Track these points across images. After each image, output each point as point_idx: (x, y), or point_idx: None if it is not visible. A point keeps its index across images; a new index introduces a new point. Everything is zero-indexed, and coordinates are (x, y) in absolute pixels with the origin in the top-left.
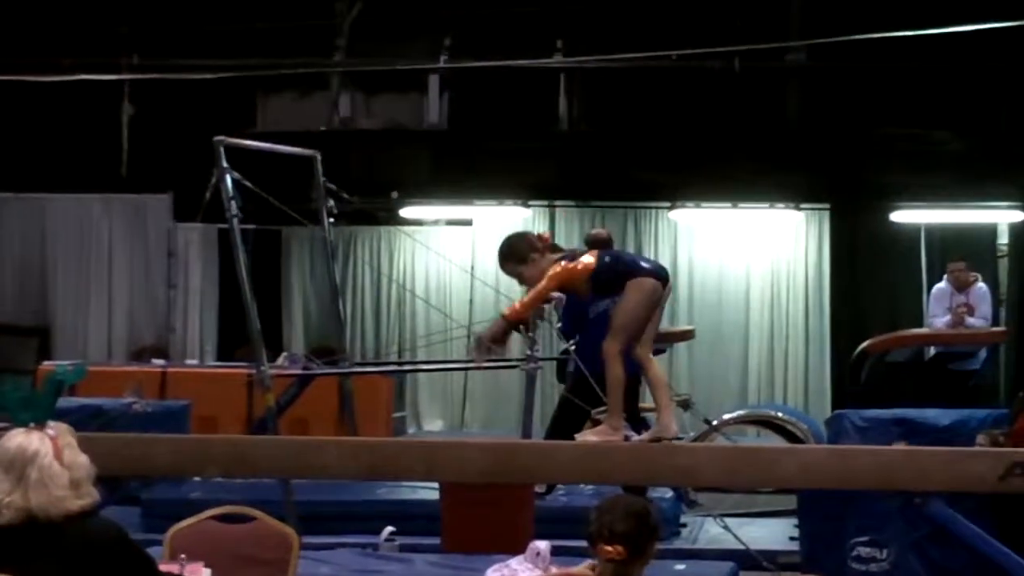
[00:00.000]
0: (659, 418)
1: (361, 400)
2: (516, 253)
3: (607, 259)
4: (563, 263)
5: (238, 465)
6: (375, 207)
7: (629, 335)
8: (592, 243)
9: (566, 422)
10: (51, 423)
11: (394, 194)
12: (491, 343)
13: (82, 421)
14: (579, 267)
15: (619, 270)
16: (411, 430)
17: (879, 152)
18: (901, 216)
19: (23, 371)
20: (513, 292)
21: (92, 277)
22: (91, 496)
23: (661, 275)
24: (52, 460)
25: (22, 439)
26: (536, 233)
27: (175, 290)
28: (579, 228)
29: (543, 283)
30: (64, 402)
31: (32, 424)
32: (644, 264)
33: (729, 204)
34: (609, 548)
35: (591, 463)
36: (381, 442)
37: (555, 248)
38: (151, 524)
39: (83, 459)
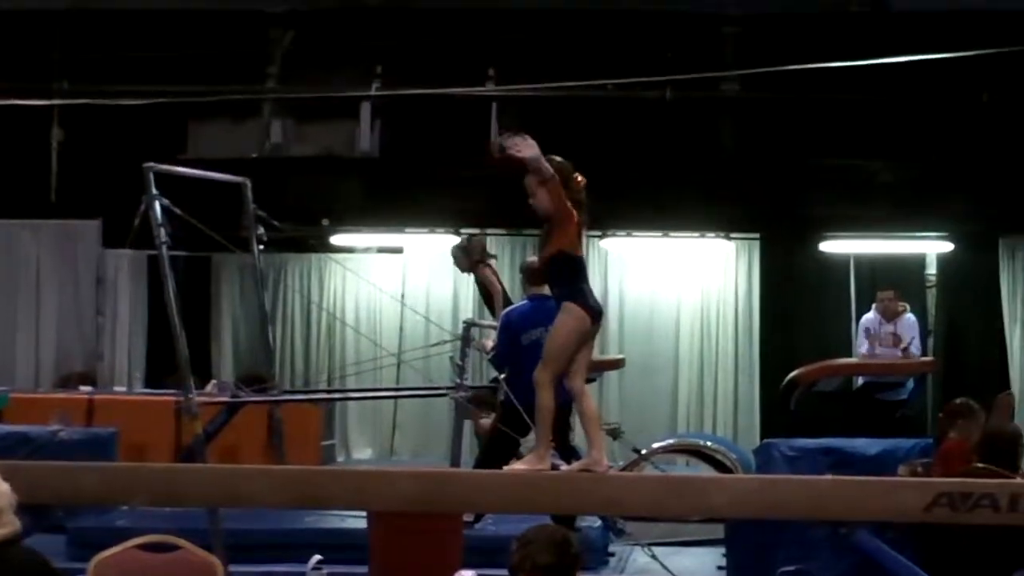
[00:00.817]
0: (590, 452)
1: (290, 428)
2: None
3: (578, 265)
4: (574, 211)
5: (165, 494)
6: (306, 234)
7: (560, 364)
8: (527, 272)
9: (496, 451)
10: None
11: (325, 221)
12: (519, 145)
13: (8, 449)
14: (571, 235)
15: (573, 281)
16: (340, 458)
17: (809, 182)
18: (831, 246)
19: None
20: (444, 321)
21: (20, 303)
22: (12, 524)
23: (595, 311)
24: None
25: None
26: (578, 175)
27: (104, 317)
28: (510, 256)
29: (563, 195)
30: None
31: None
32: (587, 295)
33: (660, 233)
34: None
35: (519, 492)
36: (309, 471)
37: (578, 201)
38: (76, 553)
39: (4, 487)
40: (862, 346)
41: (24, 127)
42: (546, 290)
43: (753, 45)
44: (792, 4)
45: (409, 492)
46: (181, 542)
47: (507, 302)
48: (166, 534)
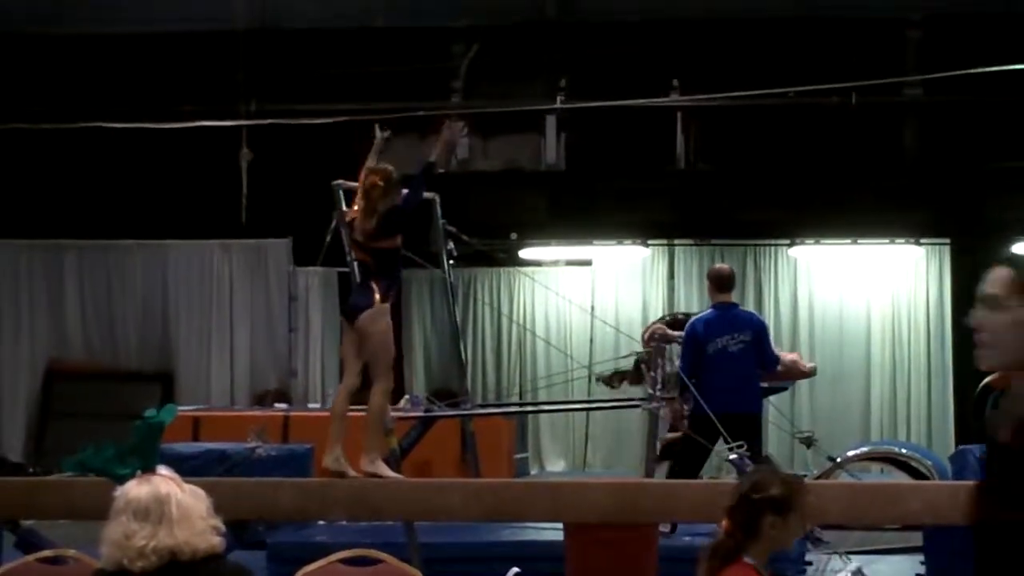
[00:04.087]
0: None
1: (483, 441)
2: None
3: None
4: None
5: (361, 508)
6: (494, 248)
7: None
8: (714, 279)
9: (687, 460)
10: (160, 467)
11: (513, 235)
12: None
13: (206, 466)
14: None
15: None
16: (533, 471)
17: (998, 186)
18: (1023, 249)
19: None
20: (634, 331)
21: (214, 322)
22: (220, 533)
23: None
24: (183, 496)
25: (147, 486)
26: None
27: (296, 334)
28: (698, 266)
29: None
30: (188, 447)
31: (140, 472)
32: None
33: (849, 240)
34: (723, 523)
35: (714, 501)
36: (504, 483)
37: (389, 184)
38: (277, 569)
39: (207, 501)
40: None
41: (214, 148)
42: (732, 297)
43: (935, 48)
44: (974, 5)
45: (603, 503)
46: (383, 555)
47: None
48: (363, 548)
